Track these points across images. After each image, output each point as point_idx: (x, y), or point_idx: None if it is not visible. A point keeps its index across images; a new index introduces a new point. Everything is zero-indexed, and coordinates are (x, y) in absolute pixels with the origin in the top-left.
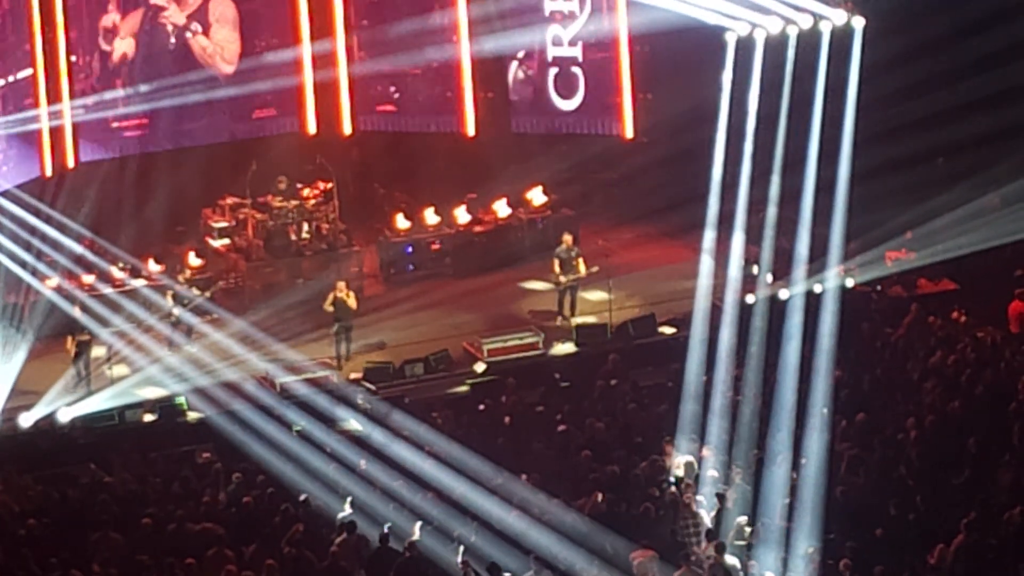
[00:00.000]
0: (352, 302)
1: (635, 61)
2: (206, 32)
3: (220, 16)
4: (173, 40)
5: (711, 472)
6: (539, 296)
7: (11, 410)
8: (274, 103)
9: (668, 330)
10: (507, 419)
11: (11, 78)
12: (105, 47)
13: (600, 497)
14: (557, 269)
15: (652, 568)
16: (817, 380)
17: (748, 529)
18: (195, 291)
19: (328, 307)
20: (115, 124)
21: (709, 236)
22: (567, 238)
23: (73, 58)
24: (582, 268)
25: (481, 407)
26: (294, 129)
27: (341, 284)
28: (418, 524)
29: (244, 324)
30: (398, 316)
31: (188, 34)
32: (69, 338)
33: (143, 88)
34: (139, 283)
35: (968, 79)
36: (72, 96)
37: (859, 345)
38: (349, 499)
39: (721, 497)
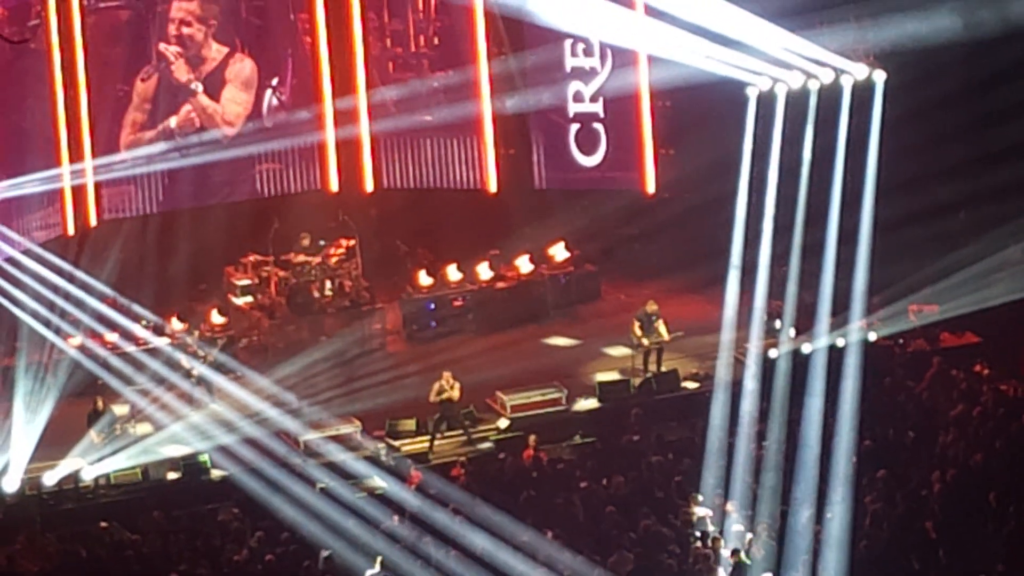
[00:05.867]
0: (455, 393)
1: (657, 116)
2: (213, 92)
3: (236, 74)
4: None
5: (736, 527)
6: (562, 352)
7: (35, 469)
8: (292, 159)
9: (691, 385)
10: (532, 475)
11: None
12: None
13: (629, 557)
14: (638, 331)
15: None
16: (840, 434)
17: None
18: (216, 348)
19: (434, 397)
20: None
21: (732, 291)
22: (652, 306)
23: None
24: (664, 332)
25: (504, 463)
26: (316, 186)
27: (447, 375)
28: None
29: (267, 382)
30: (421, 373)
31: (187, 94)
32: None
33: (161, 147)
34: (162, 341)
35: (989, 131)
36: (94, 155)
37: (882, 399)
38: (379, 559)
39: (746, 552)
